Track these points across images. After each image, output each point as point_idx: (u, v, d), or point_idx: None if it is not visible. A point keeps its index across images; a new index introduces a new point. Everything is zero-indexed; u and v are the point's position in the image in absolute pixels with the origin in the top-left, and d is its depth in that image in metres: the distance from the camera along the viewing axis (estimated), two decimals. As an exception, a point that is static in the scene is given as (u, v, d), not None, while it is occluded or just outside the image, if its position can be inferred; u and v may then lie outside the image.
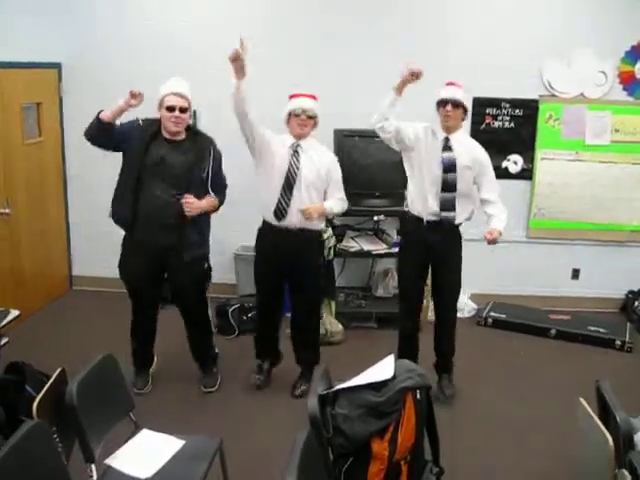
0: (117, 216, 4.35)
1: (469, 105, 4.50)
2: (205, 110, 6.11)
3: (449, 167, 4.34)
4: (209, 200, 4.38)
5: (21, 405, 3.41)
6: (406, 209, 4.64)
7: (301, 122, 4.37)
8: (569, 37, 5.98)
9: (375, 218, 5.97)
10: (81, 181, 6.43)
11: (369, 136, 5.83)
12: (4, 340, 4.21)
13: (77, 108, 6.26)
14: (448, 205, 4.39)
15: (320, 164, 4.40)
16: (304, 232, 4.40)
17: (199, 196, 4.31)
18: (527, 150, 6.21)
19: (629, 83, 6.06)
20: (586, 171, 6.22)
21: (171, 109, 4.20)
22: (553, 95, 6.12)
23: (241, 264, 6.25)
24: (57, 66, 6.23)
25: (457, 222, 4.46)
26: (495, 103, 6.15)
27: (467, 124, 5.87)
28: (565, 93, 6.11)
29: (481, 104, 6.12)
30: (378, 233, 6.17)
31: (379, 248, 5.94)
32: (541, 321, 6.01)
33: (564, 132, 6.19)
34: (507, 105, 6.16)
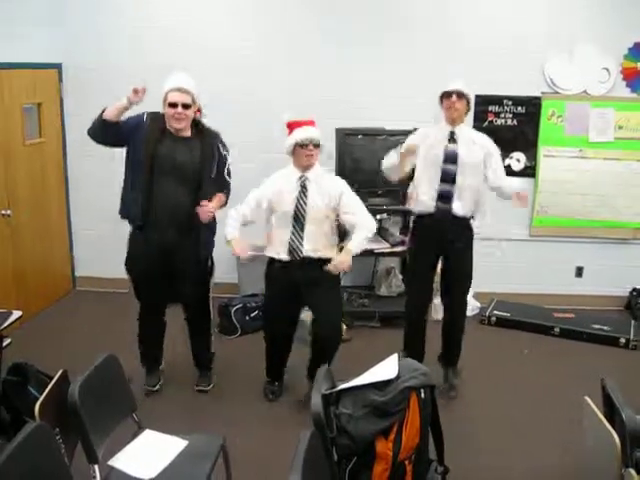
0: (128, 214, 4.30)
1: (472, 99, 4.54)
2: (206, 107, 6.10)
3: (450, 159, 4.37)
4: (219, 198, 4.34)
5: (24, 406, 3.41)
6: (413, 209, 4.63)
7: (309, 152, 4.21)
8: (572, 34, 5.96)
9: (378, 217, 5.93)
10: (82, 181, 6.43)
11: (371, 134, 5.84)
12: (7, 341, 4.22)
13: (78, 108, 6.27)
14: (445, 196, 4.42)
15: (329, 194, 4.25)
16: (321, 261, 4.23)
17: (210, 193, 4.27)
18: (530, 147, 6.19)
19: (632, 79, 6.04)
20: (589, 168, 6.20)
21: (173, 105, 4.12)
22: (556, 92, 6.10)
23: (243, 264, 6.22)
24: (58, 66, 6.23)
25: (462, 214, 4.46)
26: (497, 101, 6.13)
27: (469, 122, 5.87)
28: (568, 90, 6.09)
29: (483, 102, 6.11)
30: (381, 232, 6.14)
31: (382, 247, 5.92)
32: (545, 319, 5.99)
33: (567, 129, 6.17)
34: (509, 102, 6.15)
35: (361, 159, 5.77)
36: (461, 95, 4.38)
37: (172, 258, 4.33)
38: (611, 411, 3.01)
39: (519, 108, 6.16)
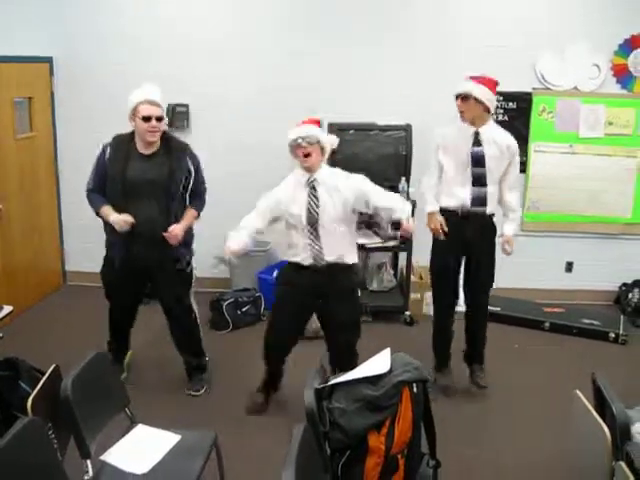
0: (113, 248, 4.31)
1: (485, 96, 4.36)
2: (198, 103, 6.10)
3: (477, 161, 4.33)
4: (189, 216, 4.31)
5: (15, 401, 3.39)
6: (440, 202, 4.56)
7: (304, 151, 3.90)
8: (563, 30, 5.97)
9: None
10: (73, 176, 6.37)
11: (363, 129, 5.84)
12: (-3, 336, 4.20)
13: (69, 102, 6.26)
14: (478, 200, 4.39)
15: (345, 195, 3.97)
16: (338, 265, 4.04)
17: (180, 210, 4.25)
18: (521, 143, 6.15)
19: (622, 76, 6.06)
20: (580, 164, 6.22)
21: (147, 119, 4.03)
22: (547, 88, 6.12)
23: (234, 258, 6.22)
24: (49, 60, 6.19)
25: (489, 212, 4.46)
26: (489, 96, 6.13)
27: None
28: (559, 86, 6.11)
29: (475, 97, 6.10)
30: (372, 226, 6.14)
31: (373, 242, 5.91)
32: (535, 314, 6.03)
33: (557, 125, 6.19)
34: (500, 98, 6.14)
35: (353, 154, 5.77)
36: (466, 97, 4.29)
37: (149, 270, 4.32)
38: (601, 405, 3.03)
39: (510, 104, 6.17)
